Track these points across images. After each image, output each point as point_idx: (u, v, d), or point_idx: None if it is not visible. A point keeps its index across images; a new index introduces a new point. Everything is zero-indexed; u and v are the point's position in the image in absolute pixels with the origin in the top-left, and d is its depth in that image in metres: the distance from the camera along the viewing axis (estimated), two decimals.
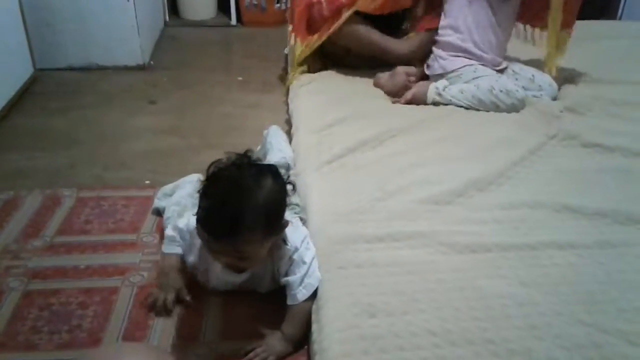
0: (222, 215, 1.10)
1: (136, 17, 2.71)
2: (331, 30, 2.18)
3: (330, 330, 1.11)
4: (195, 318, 1.32)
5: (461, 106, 2.01)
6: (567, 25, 2.14)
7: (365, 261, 1.27)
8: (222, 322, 1.31)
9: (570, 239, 1.36)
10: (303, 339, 1.24)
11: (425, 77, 2.17)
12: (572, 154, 1.76)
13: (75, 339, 1.25)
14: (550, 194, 1.53)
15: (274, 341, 1.23)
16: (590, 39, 2.63)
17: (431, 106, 2.03)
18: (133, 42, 2.77)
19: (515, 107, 1.99)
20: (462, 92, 2.01)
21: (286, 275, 1.24)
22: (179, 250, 1.37)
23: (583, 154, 1.76)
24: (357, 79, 2.27)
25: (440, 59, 2.13)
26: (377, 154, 1.72)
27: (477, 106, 1.99)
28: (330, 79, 2.28)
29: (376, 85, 2.20)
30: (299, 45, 2.26)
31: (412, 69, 2.08)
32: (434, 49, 2.16)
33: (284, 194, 1.20)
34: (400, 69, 2.09)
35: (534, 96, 2.08)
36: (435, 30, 2.18)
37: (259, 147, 1.87)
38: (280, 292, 1.28)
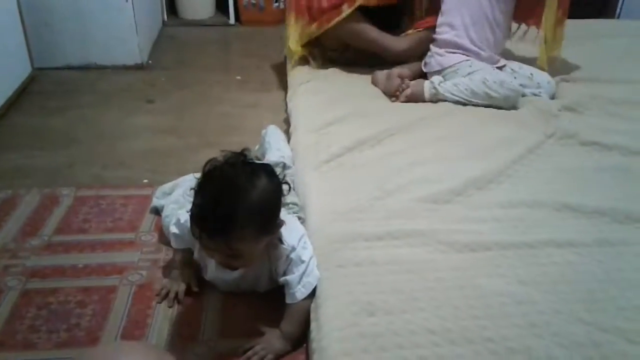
0: (215, 213, 1.10)
1: (134, 16, 2.71)
2: (331, 24, 2.18)
3: (329, 329, 1.10)
4: (194, 317, 1.32)
5: (456, 101, 2.01)
6: (564, 18, 2.14)
7: (364, 260, 1.27)
8: (221, 321, 1.32)
9: (569, 237, 1.36)
10: (302, 337, 1.24)
11: (423, 75, 2.17)
12: (571, 152, 1.76)
13: (74, 337, 1.25)
14: (549, 192, 1.53)
15: (273, 339, 1.23)
16: (588, 38, 2.63)
17: (430, 105, 2.03)
18: (131, 41, 2.76)
19: (509, 99, 1.99)
20: (456, 86, 2.02)
21: (284, 274, 1.24)
22: (187, 244, 1.37)
23: (581, 153, 1.76)
24: (356, 78, 2.27)
25: (437, 56, 2.14)
26: (376, 152, 1.72)
27: (470, 98, 1.99)
28: (328, 78, 2.27)
29: (373, 82, 2.20)
30: (298, 25, 2.27)
31: (405, 72, 2.08)
32: (432, 46, 2.17)
33: (278, 193, 1.19)
34: (395, 72, 2.09)
35: (533, 94, 2.09)
36: (433, 29, 2.18)
37: (257, 147, 1.87)
38: (278, 290, 1.28)
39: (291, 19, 2.30)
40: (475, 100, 2.00)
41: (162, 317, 1.32)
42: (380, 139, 1.78)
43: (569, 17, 2.19)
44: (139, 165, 1.97)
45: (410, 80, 2.09)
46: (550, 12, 2.10)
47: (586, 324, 1.12)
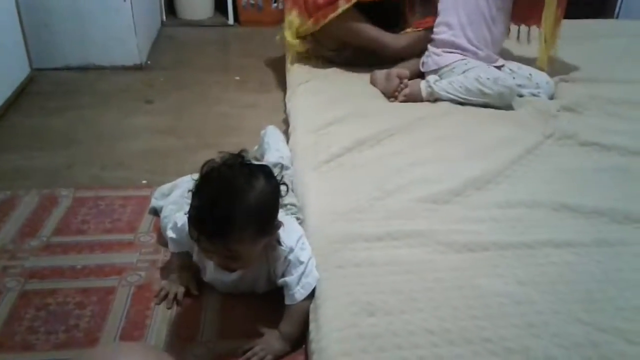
0: (213, 215, 1.10)
1: (133, 17, 2.71)
2: (327, 19, 2.19)
3: (329, 330, 1.10)
4: (193, 318, 1.32)
5: (452, 99, 2.01)
6: (562, 17, 2.15)
7: (364, 260, 1.27)
8: (220, 322, 1.31)
9: (568, 237, 1.36)
10: (301, 338, 1.24)
11: (421, 75, 2.17)
12: (570, 153, 1.76)
13: (73, 339, 1.25)
14: (548, 192, 1.53)
15: (272, 340, 1.23)
16: (587, 38, 2.64)
17: (429, 105, 2.03)
18: (130, 42, 2.76)
19: (504, 97, 1.99)
20: (451, 84, 2.02)
21: (283, 276, 1.24)
22: (183, 248, 1.37)
23: (580, 153, 1.76)
24: (355, 78, 2.27)
25: (434, 55, 2.15)
26: (375, 153, 1.72)
27: (465, 96, 2.00)
28: (327, 78, 2.27)
29: (372, 82, 2.20)
30: (296, 20, 2.29)
31: (404, 72, 2.09)
32: (429, 46, 2.18)
33: (276, 194, 1.19)
34: (394, 72, 2.09)
35: (532, 94, 2.09)
36: (431, 29, 2.19)
37: (256, 147, 1.86)
38: (277, 291, 1.27)
39: (289, 14, 2.31)
40: (470, 98, 2.00)
41: (161, 318, 1.32)
42: (379, 139, 1.78)
43: (568, 17, 2.20)
44: (138, 165, 1.97)
45: (409, 80, 2.10)
46: (549, 11, 2.11)
47: (585, 324, 1.12)
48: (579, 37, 2.55)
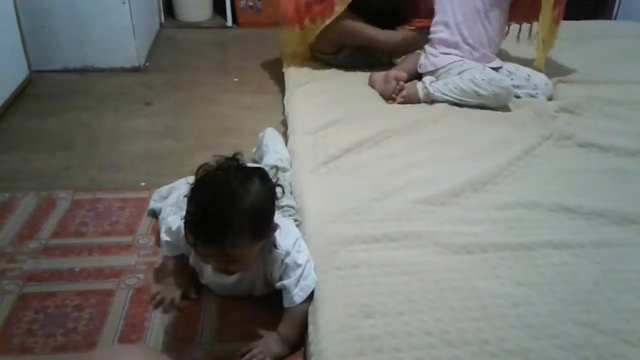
0: (209, 220, 1.10)
1: (132, 18, 2.70)
2: (327, 21, 2.20)
3: (327, 332, 1.10)
4: (192, 320, 1.32)
5: (447, 100, 2.02)
6: (560, 18, 2.15)
7: (362, 262, 1.27)
8: (219, 324, 1.31)
9: (567, 238, 1.36)
10: (300, 340, 1.24)
11: (419, 77, 2.18)
12: (568, 154, 1.76)
13: (71, 342, 1.25)
14: (546, 194, 1.54)
15: (271, 342, 1.23)
16: (585, 39, 2.64)
17: (427, 107, 2.03)
18: (129, 43, 2.76)
19: (499, 97, 1.98)
20: (446, 85, 2.03)
21: (281, 279, 1.24)
22: (177, 252, 1.36)
23: (579, 154, 1.76)
24: (353, 80, 2.28)
25: (431, 57, 2.16)
26: (373, 154, 1.72)
27: (460, 97, 2.00)
28: (326, 80, 2.28)
29: (370, 84, 2.21)
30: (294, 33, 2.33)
31: (402, 74, 2.09)
32: (426, 47, 2.20)
33: (272, 197, 1.18)
34: (392, 74, 2.10)
35: (530, 95, 2.09)
36: (426, 28, 2.21)
37: (254, 149, 1.87)
38: (275, 294, 1.27)
39: (286, 29, 2.34)
40: (465, 99, 2.00)
41: (160, 320, 1.32)
42: (377, 141, 1.78)
43: (567, 19, 2.20)
44: (137, 168, 1.97)
45: (407, 81, 2.10)
46: (546, 12, 2.11)
47: (584, 325, 1.12)
48: (577, 38, 2.56)
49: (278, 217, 1.24)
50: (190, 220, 1.12)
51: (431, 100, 2.05)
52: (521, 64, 2.21)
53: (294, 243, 1.25)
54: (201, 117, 2.37)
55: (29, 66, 2.57)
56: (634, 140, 1.80)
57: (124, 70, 2.80)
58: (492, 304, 1.17)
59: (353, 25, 2.27)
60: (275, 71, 2.77)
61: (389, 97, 2.09)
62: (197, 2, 3.65)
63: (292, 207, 1.47)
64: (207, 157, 1.20)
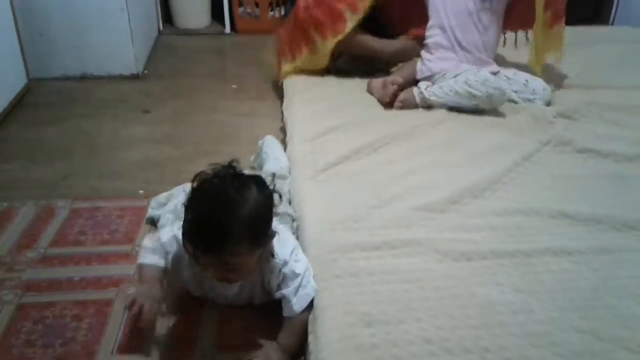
0: (207, 229, 1.09)
1: (130, 26, 2.71)
2: (341, 34, 2.20)
3: (327, 341, 1.10)
4: (191, 330, 1.31)
5: (442, 103, 2.02)
6: (555, 22, 2.14)
7: (361, 270, 1.27)
8: (218, 334, 1.31)
9: (565, 245, 1.36)
10: (300, 350, 1.23)
11: (417, 83, 2.19)
12: (566, 159, 1.76)
13: (70, 352, 1.25)
14: (545, 200, 1.54)
15: (271, 352, 1.22)
16: (583, 45, 2.65)
17: (425, 113, 2.04)
18: (127, 51, 2.76)
19: (493, 98, 1.98)
20: (441, 88, 2.03)
21: (279, 288, 1.23)
22: (159, 261, 1.27)
23: (577, 160, 1.76)
24: (351, 86, 2.28)
25: (427, 62, 2.17)
26: (372, 161, 1.72)
27: (454, 99, 2.00)
28: (324, 86, 2.28)
29: (368, 91, 2.21)
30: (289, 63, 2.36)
31: (398, 79, 2.10)
32: (422, 52, 2.20)
33: (269, 204, 1.18)
34: (390, 80, 2.11)
35: (528, 99, 2.09)
36: (422, 38, 2.23)
37: (252, 157, 1.87)
38: (275, 302, 1.27)
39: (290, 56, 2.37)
40: (459, 101, 2.00)
41: (159, 330, 1.31)
42: (376, 147, 1.78)
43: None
44: (135, 175, 1.97)
45: (405, 87, 2.11)
46: (538, 13, 2.11)
47: (583, 332, 1.12)
48: (575, 43, 2.56)
49: (275, 224, 1.23)
50: (189, 229, 1.12)
51: (428, 105, 2.05)
52: (519, 69, 2.22)
53: (291, 252, 1.25)
54: (200, 124, 2.37)
55: (27, 74, 2.57)
56: (632, 145, 1.80)
57: (122, 77, 2.80)
58: (491, 312, 1.17)
59: (358, 38, 2.28)
60: (273, 78, 2.77)
61: (387, 103, 2.09)
62: (195, 9, 3.65)
63: (289, 215, 1.47)
64: (205, 164, 1.20)
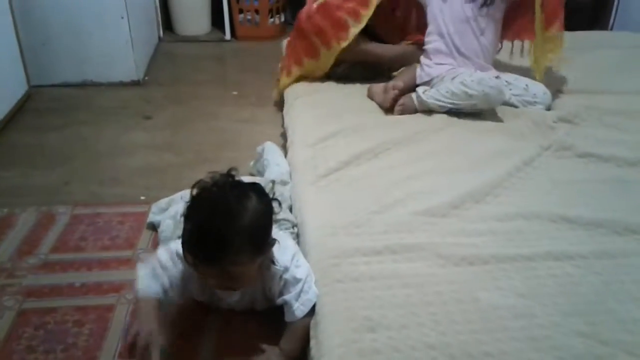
0: (207, 239, 1.08)
1: (130, 33, 2.72)
2: (344, 42, 2.19)
3: (329, 346, 1.10)
4: (193, 336, 1.31)
5: (440, 106, 2.01)
6: (550, 24, 2.14)
7: (363, 274, 1.26)
8: (220, 340, 1.30)
9: (567, 249, 1.36)
10: (302, 355, 1.23)
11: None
12: (567, 164, 1.76)
13: (71, 357, 1.25)
14: (546, 204, 1.53)
15: (273, 357, 1.22)
16: (582, 50, 2.65)
17: (426, 118, 2.03)
18: (127, 58, 2.77)
19: (490, 98, 1.97)
20: (438, 91, 2.03)
21: (281, 294, 1.23)
22: (157, 288, 1.22)
23: (578, 165, 1.76)
24: (352, 92, 2.28)
25: (426, 67, 2.17)
26: (373, 166, 1.72)
27: (452, 100, 1.99)
28: (325, 92, 2.28)
29: (369, 96, 2.22)
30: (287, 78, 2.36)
31: (398, 84, 2.10)
32: (422, 58, 2.21)
33: (269, 212, 1.17)
34: (390, 86, 2.11)
35: (528, 103, 2.09)
36: (422, 43, 2.23)
37: (252, 163, 1.87)
38: (277, 308, 1.27)
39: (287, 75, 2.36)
40: (457, 102, 1.99)
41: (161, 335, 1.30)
42: (376, 153, 1.78)
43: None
44: (136, 182, 1.97)
45: (406, 92, 2.11)
46: (537, 14, 2.11)
47: (586, 337, 1.11)
48: (575, 48, 2.56)
49: (275, 231, 1.23)
50: (188, 239, 1.11)
51: (428, 110, 2.05)
52: (519, 74, 2.22)
53: (292, 258, 1.24)
54: (200, 131, 2.37)
55: (28, 81, 2.58)
56: (633, 150, 1.80)
57: (123, 84, 2.81)
58: (494, 316, 1.16)
59: (361, 44, 2.28)
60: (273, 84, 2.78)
61: (388, 108, 2.09)
62: (195, 16, 3.67)
63: (289, 221, 1.47)
64: (206, 170, 1.20)
